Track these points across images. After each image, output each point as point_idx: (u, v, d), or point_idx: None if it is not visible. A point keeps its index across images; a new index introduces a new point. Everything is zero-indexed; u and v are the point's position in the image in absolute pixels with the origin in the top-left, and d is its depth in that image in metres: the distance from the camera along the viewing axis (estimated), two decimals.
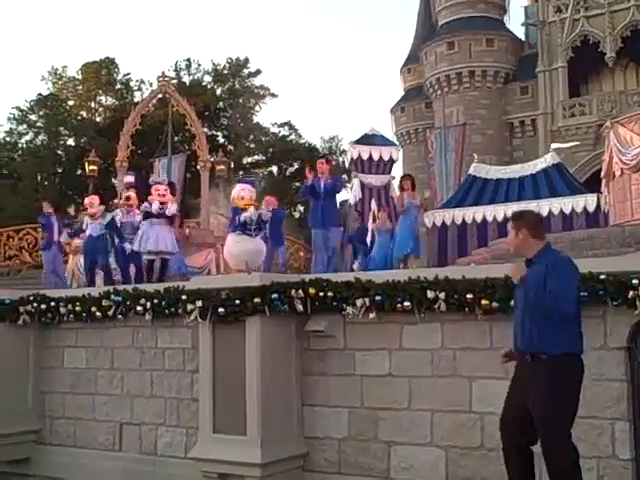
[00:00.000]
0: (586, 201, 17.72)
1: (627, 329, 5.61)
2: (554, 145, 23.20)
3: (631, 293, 5.46)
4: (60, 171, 41.42)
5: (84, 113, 44.87)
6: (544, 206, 17.72)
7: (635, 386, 5.62)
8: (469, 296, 6.06)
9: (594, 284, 5.59)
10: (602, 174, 13.95)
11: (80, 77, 44.51)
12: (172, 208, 10.24)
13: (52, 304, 8.63)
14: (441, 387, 6.32)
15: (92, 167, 24.48)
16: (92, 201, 11.06)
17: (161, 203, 10.09)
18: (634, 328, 5.61)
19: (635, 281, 5.44)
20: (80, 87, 44.67)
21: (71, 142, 42.42)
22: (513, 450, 4.87)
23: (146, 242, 10.03)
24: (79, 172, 36.63)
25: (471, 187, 20.22)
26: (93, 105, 45.25)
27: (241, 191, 8.73)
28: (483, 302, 5.96)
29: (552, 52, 36.39)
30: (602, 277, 5.59)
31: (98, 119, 44.32)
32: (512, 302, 5.23)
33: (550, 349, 4.67)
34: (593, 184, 21.59)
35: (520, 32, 40.76)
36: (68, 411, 8.62)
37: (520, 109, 38.07)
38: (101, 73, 43.78)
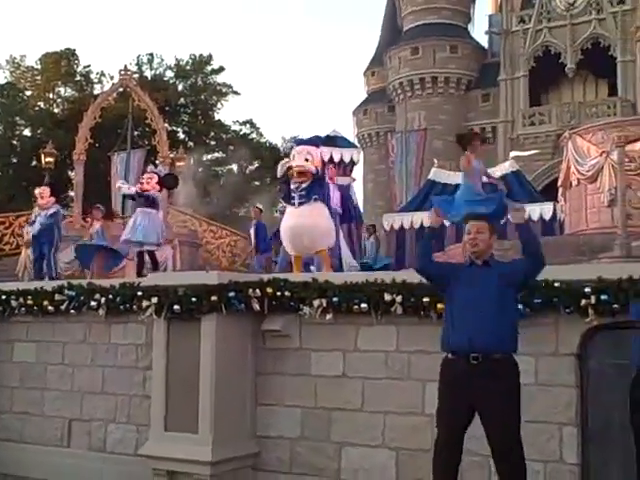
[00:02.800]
0: (542, 209, 17.97)
1: (578, 336, 5.70)
2: (513, 153, 23.51)
3: (583, 301, 5.55)
4: (15, 161, 40.63)
5: (42, 104, 44.07)
6: None
7: (584, 392, 5.72)
8: (425, 299, 6.10)
9: (548, 291, 5.67)
10: (559, 183, 14.15)
11: (39, 67, 43.74)
12: (153, 193, 10.09)
13: (3, 297, 8.46)
14: (395, 389, 6.35)
15: (48, 159, 24.08)
16: (43, 192, 10.86)
17: (142, 190, 10.00)
18: (585, 336, 5.70)
19: (588, 289, 5.53)
20: (39, 77, 43.86)
21: (27, 132, 41.66)
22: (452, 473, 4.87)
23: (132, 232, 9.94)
24: (35, 163, 36.00)
25: (430, 191, 20.34)
26: (52, 96, 44.47)
27: (294, 155, 8.18)
28: (439, 306, 5.99)
29: (514, 61, 36.96)
30: (556, 285, 5.67)
31: (56, 110, 43.58)
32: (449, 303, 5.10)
33: (507, 348, 4.77)
34: (550, 193, 21.89)
35: (484, 40, 41.38)
36: (16, 406, 8.46)
37: (481, 116, 38.58)
38: (61, 64, 43.02)
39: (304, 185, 8.08)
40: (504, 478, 4.75)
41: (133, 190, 10.31)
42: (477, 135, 9.79)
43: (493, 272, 4.86)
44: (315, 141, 8.50)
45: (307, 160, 8.11)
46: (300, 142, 8.54)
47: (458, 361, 4.81)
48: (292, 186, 8.29)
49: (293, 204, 8.15)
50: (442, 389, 4.95)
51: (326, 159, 19.34)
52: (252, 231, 16.26)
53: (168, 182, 10.75)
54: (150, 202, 10.02)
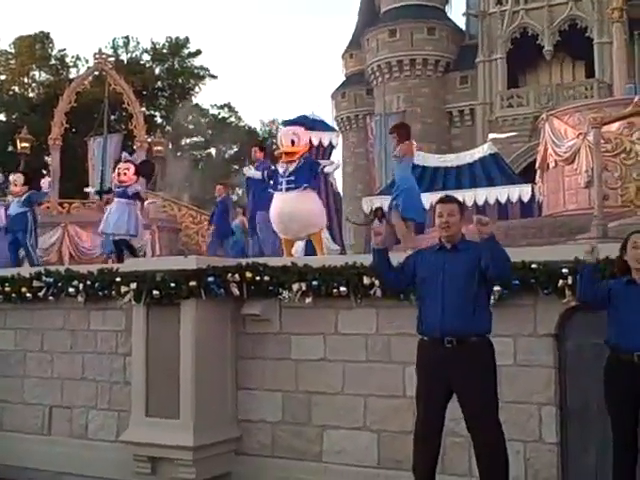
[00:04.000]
0: (521, 191, 18.09)
1: (556, 317, 5.75)
2: (491, 135, 23.65)
3: (561, 282, 5.60)
4: None
5: (16, 88, 43.56)
6: (480, 195, 18.04)
7: (562, 372, 5.78)
8: None
9: (526, 273, 5.71)
10: (537, 165, 14.21)
11: (13, 51, 43.18)
12: (134, 187, 9.96)
13: None
14: (375, 372, 6.38)
15: (24, 144, 23.80)
16: (16, 180, 10.74)
17: (120, 182, 9.88)
18: (563, 316, 5.75)
19: (565, 270, 5.57)
20: (13, 61, 43.32)
21: (2, 117, 41.21)
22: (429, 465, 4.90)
23: (105, 224, 9.84)
24: (10, 149, 35.60)
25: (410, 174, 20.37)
26: (26, 80, 43.96)
27: (281, 138, 7.98)
28: None
29: (492, 43, 36.98)
30: (534, 266, 5.71)
31: (31, 95, 43.11)
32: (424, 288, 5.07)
33: (481, 330, 4.80)
34: (528, 174, 22.02)
35: (461, 22, 41.34)
36: None
37: (459, 98, 38.62)
38: (35, 47, 42.56)
39: (291, 168, 7.90)
40: (483, 460, 4.79)
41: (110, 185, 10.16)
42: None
43: (462, 256, 4.86)
44: (302, 121, 8.31)
45: (293, 142, 7.98)
46: (287, 123, 8.33)
47: (433, 344, 4.84)
48: (279, 169, 8.06)
49: (280, 190, 7.92)
50: (419, 372, 5.00)
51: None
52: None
53: (145, 170, 10.62)
54: (129, 195, 9.93)
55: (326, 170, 8.38)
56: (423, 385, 4.94)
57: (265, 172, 8.54)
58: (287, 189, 7.85)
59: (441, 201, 5.06)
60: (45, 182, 10.87)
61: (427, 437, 4.89)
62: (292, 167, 7.88)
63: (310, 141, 8.47)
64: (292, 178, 7.85)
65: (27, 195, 10.52)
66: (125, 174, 9.93)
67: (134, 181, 10.02)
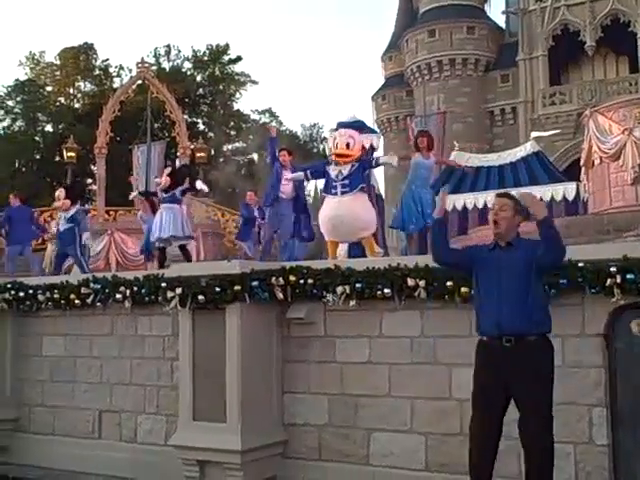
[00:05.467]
0: (565, 189, 17.80)
1: (605, 316, 5.66)
2: (534, 133, 23.28)
3: (609, 281, 5.50)
4: (38, 157, 40.99)
5: (62, 99, 44.36)
6: None
7: (612, 373, 5.67)
8: (449, 284, 6.07)
9: (573, 272, 5.62)
10: (581, 162, 14.01)
11: (58, 63, 43.97)
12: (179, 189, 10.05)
13: (30, 291, 8.56)
14: (421, 374, 6.34)
15: (70, 154, 24.28)
16: (59, 195, 11.04)
17: (156, 185, 10.02)
18: (611, 315, 5.65)
19: (613, 269, 5.48)
20: (58, 73, 44.14)
21: (49, 128, 41.99)
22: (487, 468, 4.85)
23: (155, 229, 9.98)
24: (57, 159, 36.28)
25: (451, 175, 20.23)
26: (72, 91, 44.74)
27: (336, 139, 7.91)
28: (462, 290, 5.97)
29: (532, 40, 36.51)
30: (580, 265, 5.62)
31: (77, 105, 43.85)
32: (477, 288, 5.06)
33: (539, 329, 4.76)
34: (573, 172, 21.71)
35: (501, 20, 40.84)
36: (47, 399, 8.57)
37: (501, 97, 38.17)
38: (79, 59, 43.27)
39: (345, 173, 7.87)
40: (532, 460, 4.73)
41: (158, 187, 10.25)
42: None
43: (517, 254, 4.81)
44: (359, 125, 8.28)
45: (348, 145, 7.96)
46: (343, 125, 8.29)
47: (492, 343, 4.80)
48: (331, 173, 8.01)
49: (335, 193, 7.88)
50: (477, 371, 4.94)
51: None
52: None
53: (181, 173, 10.72)
54: (171, 199, 10.03)
55: (382, 161, 8.42)
56: (481, 384, 4.89)
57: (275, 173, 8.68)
58: (342, 192, 7.85)
59: (497, 195, 5.07)
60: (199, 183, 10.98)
61: (483, 439, 4.83)
62: (346, 171, 7.87)
63: (362, 145, 8.47)
64: (347, 182, 7.84)
65: (73, 214, 10.80)
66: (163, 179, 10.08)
67: (171, 184, 10.08)
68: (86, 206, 12.08)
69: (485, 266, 4.91)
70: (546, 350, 4.79)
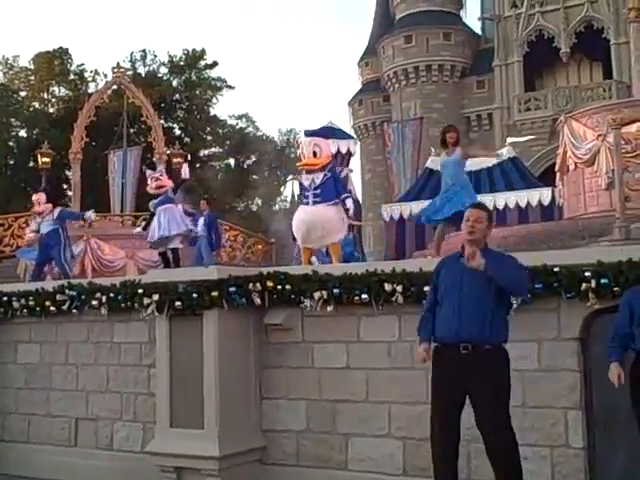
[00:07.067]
0: (541, 194, 17.98)
1: (580, 320, 5.71)
2: (510, 139, 23.51)
3: (584, 285, 5.56)
4: (11, 163, 40.57)
5: (37, 104, 43.93)
6: (500, 199, 17.94)
7: (587, 376, 5.73)
8: (426, 288, 6.08)
9: (548, 277, 5.68)
10: (556, 168, 14.15)
11: (32, 67, 43.56)
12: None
13: (4, 298, 8.47)
14: (398, 379, 6.36)
15: (45, 159, 24.03)
16: (38, 199, 10.85)
17: (158, 187, 9.91)
18: (587, 320, 5.71)
19: (588, 273, 5.54)
20: (32, 77, 43.71)
21: (23, 133, 41.53)
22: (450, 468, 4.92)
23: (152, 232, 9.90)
24: (31, 164, 35.93)
25: (428, 180, 20.34)
26: (46, 96, 44.33)
27: (302, 149, 7.98)
28: None
29: (508, 47, 36.87)
30: (556, 270, 5.68)
31: (51, 110, 43.45)
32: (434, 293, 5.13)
33: (496, 339, 4.82)
34: (548, 178, 21.89)
35: (477, 26, 41.20)
36: (21, 407, 8.47)
37: (477, 103, 38.48)
38: (54, 63, 42.86)
39: (317, 182, 7.92)
40: (497, 464, 4.80)
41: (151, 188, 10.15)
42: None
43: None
44: (325, 132, 8.29)
45: (315, 153, 8.00)
46: (308, 134, 8.32)
47: (448, 350, 4.86)
48: (304, 182, 8.07)
49: (306, 203, 7.98)
50: (434, 378, 5.02)
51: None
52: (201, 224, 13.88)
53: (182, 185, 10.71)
54: (165, 200, 9.96)
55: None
56: (438, 391, 4.97)
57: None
58: (314, 202, 7.93)
59: (473, 207, 5.12)
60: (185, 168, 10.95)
61: (444, 443, 4.92)
62: (318, 180, 7.93)
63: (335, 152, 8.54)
64: (318, 192, 7.92)
65: (59, 211, 10.66)
66: (159, 179, 9.96)
67: (168, 185, 10.02)
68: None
69: (449, 273, 4.98)
70: (502, 360, 4.86)
